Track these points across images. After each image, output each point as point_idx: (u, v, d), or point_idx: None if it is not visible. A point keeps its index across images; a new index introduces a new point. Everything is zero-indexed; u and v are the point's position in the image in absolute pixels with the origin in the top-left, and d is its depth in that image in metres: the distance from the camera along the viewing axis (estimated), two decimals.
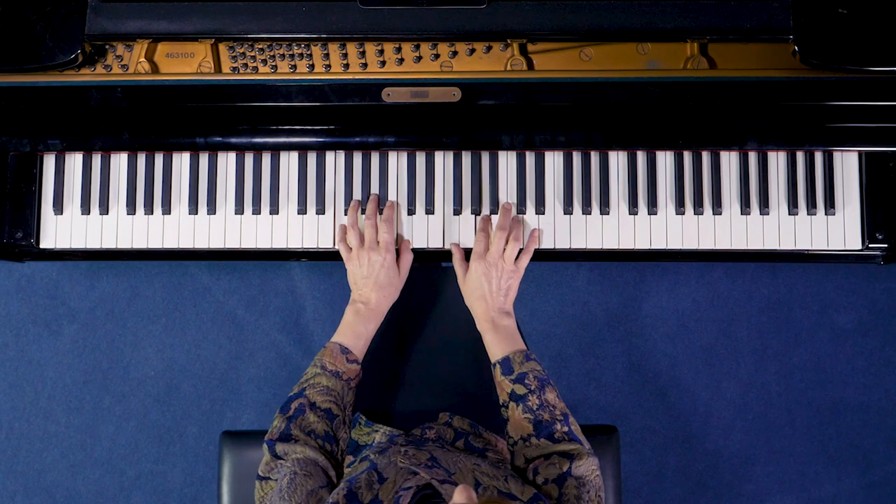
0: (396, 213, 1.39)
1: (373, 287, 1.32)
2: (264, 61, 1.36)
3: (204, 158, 1.42)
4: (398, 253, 1.37)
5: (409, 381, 1.40)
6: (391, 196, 1.40)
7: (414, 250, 1.39)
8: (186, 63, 1.38)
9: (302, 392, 1.23)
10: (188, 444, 2.15)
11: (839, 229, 1.39)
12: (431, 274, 1.52)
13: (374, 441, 1.31)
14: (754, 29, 1.28)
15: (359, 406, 1.34)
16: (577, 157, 1.40)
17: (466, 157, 1.41)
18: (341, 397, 1.23)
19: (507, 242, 1.34)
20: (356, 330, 1.30)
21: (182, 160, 1.43)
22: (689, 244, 1.39)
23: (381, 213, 1.38)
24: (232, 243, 1.42)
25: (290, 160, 1.42)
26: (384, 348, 1.43)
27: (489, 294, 1.31)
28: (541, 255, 1.40)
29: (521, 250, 1.36)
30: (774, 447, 2.12)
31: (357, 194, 1.41)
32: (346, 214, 1.40)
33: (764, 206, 1.39)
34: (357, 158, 1.41)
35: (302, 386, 1.24)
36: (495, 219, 1.38)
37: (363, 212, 1.39)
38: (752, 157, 1.40)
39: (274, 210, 1.41)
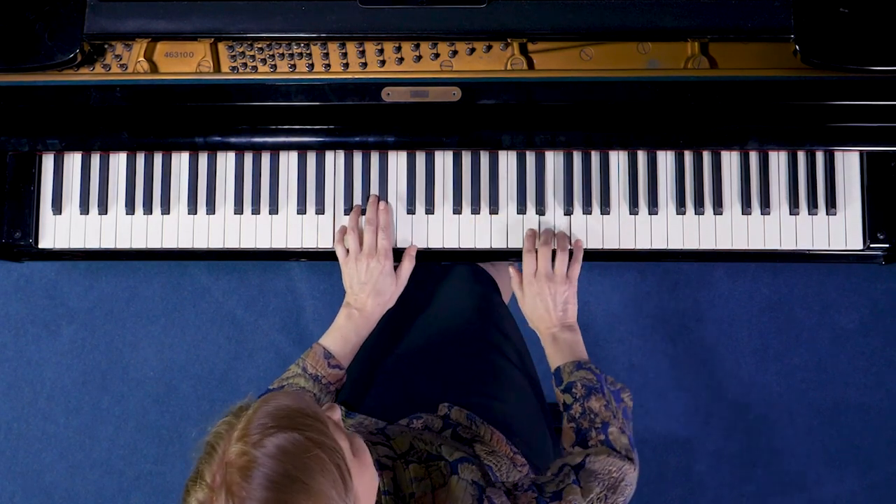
0: (396, 214, 1.39)
1: (370, 293, 1.32)
2: (263, 61, 1.36)
3: (203, 158, 1.42)
4: (399, 258, 1.36)
5: (406, 378, 1.39)
6: (391, 196, 1.40)
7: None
8: (185, 62, 1.37)
9: (279, 388, 1.25)
10: (187, 445, 2.13)
11: (840, 229, 1.38)
12: (431, 273, 1.51)
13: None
14: (755, 28, 1.28)
15: (356, 404, 1.34)
16: (577, 157, 1.40)
17: (466, 157, 1.40)
18: (316, 399, 1.25)
19: (553, 257, 1.33)
20: (346, 335, 1.31)
21: (181, 160, 1.42)
22: (690, 244, 1.39)
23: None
24: (231, 243, 1.41)
25: (289, 160, 1.41)
26: (382, 346, 1.42)
27: (546, 312, 1.30)
28: None
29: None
30: (775, 448, 2.11)
31: (357, 194, 1.40)
32: (346, 215, 1.39)
33: (765, 205, 1.38)
34: (357, 158, 1.41)
35: (281, 383, 1.27)
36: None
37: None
38: (753, 156, 1.39)
39: (273, 210, 1.41)
